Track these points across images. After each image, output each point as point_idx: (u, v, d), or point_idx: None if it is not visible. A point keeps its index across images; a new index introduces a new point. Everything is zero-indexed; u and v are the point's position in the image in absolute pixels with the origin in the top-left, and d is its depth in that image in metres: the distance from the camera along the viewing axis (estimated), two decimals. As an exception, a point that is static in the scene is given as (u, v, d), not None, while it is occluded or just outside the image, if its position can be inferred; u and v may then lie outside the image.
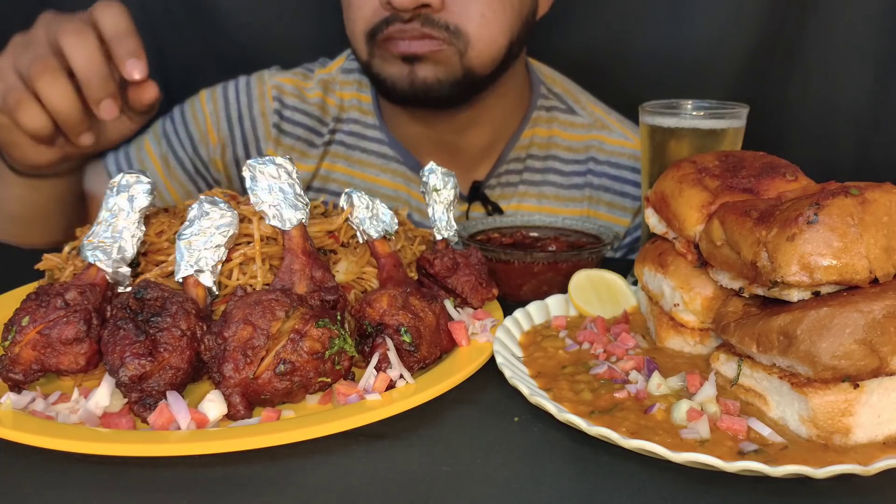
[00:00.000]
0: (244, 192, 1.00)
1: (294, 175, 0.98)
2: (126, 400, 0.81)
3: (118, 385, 0.80)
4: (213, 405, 0.78)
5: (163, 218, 1.03)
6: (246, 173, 0.97)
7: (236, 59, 1.97)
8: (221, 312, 0.84)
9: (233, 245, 0.95)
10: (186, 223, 0.93)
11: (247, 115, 1.65)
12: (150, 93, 1.21)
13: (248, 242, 0.97)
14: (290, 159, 0.99)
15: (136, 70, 1.12)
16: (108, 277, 0.90)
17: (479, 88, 1.47)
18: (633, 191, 1.62)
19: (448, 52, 1.37)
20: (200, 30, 2.01)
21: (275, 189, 0.96)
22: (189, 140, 1.65)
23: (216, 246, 0.92)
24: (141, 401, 0.79)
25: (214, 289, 0.91)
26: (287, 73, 1.69)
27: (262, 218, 0.98)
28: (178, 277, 0.90)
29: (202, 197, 0.94)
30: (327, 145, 1.67)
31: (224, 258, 0.93)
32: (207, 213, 0.93)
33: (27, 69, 1.10)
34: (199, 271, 0.90)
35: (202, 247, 0.91)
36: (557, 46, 1.93)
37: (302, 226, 0.96)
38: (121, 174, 0.95)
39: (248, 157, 1.68)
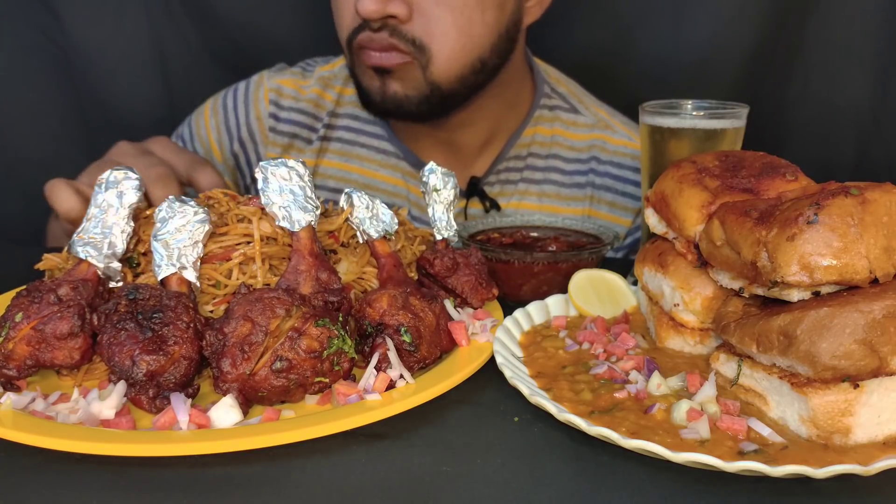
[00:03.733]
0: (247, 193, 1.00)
1: (306, 178, 0.99)
2: (125, 400, 0.81)
3: (132, 384, 0.80)
4: (232, 411, 0.78)
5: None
6: (258, 175, 0.98)
7: (235, 58, 1.98)
8: (225, 310, 0.84)
9: (207, 241, 0.95)
10: (158, 224, 0.93)
11: (244, 122, 1.68)
12: None
13: (248, 242, 0.97)
14: (303, 162, 1.00)
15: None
16: (99, 272, 0.91)
17: (453, 102, 1.49)
18: (634, 191, 1.62)
19: (412, 67, 1.40)
20: (200, 30, 2.01)
21: (285, 191, 0.97)
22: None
23: (194, 243, 0.92)
24: (159, 395, 0.80)
25: (197, 283, 0.91)
26: (286, 73, 1.70)
27: (261, 218, 0.99)
28: (161, 276, 0.90)
29: (170, 197, 0.95)
30: (322, 140, 1.67)
31: (202, 254, 0.93)
32: (180, 212, 0.93)
33: None
34: (183, 268, 0.90)
35: (180, 244, 0.91)
36: (558, 46, 1.93)
37: (311, 228, 0.96)
38: (109, 171, 0.96)
39: (249, 162, 1.70)
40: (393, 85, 1.44)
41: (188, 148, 1.70)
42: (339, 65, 1.70)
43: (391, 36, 1.37)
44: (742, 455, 0.72)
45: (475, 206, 1.63)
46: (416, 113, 1.48)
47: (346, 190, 1.08)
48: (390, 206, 1.12)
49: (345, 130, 1.68)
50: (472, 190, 1.62)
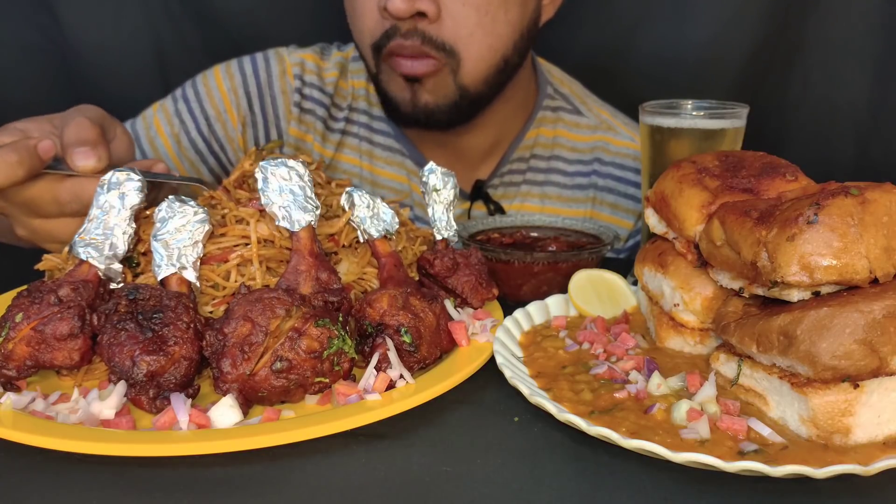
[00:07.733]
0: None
1: (306, 178, 0.99)
2: (126, 400, 0.81)
3: (132, 385, 0.80)
4: (232, 411, 0.78)
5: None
6: (258, 174, 0.97)
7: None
8: (225, 310, 0.84)
9: (207, 240, 0.95)
10: (158, 224, 0.93)
11: (267, 92, 1.62)
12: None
13: (246, 244, 0.97)
14: (304, 162, 1.00)
15: (82, 159, 1.03)
16: (100, 273, 0.91)
17: (478, 105, 1.48)
18: (637, 193, 1.62)
19: (443, 74, 1.39)
20: (199, 30, 2.01)
21: (285, 191, 0.97)
22: (205, 119, 1.61)
23: (194, 243, 0.92)
24: (159, 396, 0.80)
25: (197, 283, 0.91)
26: (306, 49, 1.67)
27: (259, 220, 0.99)
28: (160, 277, 0.90)
29: (170, 197, 0.95)
30: (343, 134, 1.66)
31: (202, 254, 0.93)
32: (180, 212, 0.93)
33: None
34: (183, 268, 0.90)
35: (180, 244, 0.91)
36: (560, 46, 1.93)
37: (311, 228, 0.96)
38: (111, 171, 0.96)
39: (268, 137, 1.66)
40: (424, 95, 1.42)
41: (195, 110, 1.61)
42: (351, 54, 1.69)
43: (423, 43, 1.36)
44: (742, 455, 0.72)
45: (479, 209, 1.63)
46: (446, 122, 1.47)
47: (347, 189, 1.08)
48: (392, 206, 1.12)
49: (360, 126, 1.67)
50: (477, 194, 1.62)
